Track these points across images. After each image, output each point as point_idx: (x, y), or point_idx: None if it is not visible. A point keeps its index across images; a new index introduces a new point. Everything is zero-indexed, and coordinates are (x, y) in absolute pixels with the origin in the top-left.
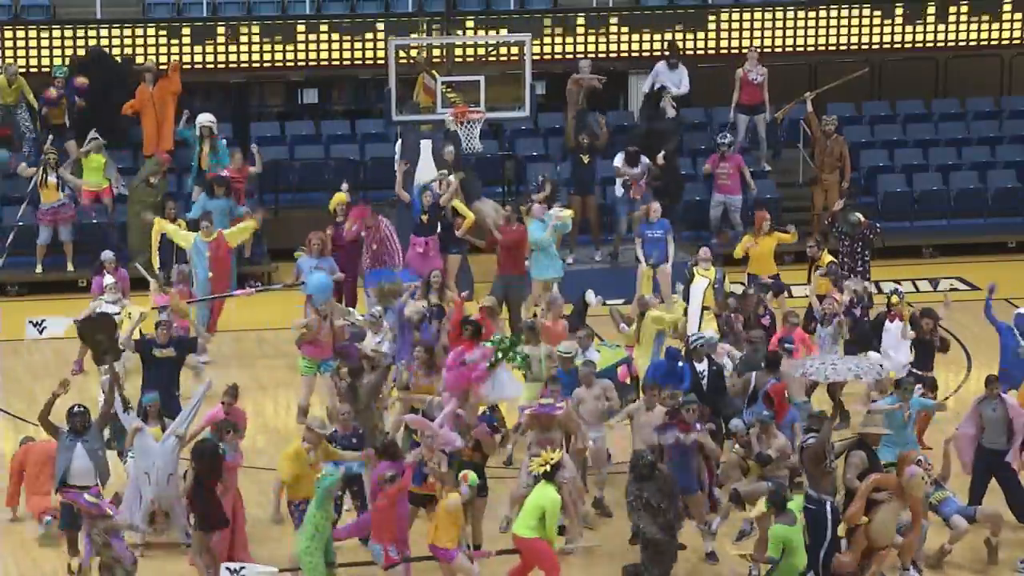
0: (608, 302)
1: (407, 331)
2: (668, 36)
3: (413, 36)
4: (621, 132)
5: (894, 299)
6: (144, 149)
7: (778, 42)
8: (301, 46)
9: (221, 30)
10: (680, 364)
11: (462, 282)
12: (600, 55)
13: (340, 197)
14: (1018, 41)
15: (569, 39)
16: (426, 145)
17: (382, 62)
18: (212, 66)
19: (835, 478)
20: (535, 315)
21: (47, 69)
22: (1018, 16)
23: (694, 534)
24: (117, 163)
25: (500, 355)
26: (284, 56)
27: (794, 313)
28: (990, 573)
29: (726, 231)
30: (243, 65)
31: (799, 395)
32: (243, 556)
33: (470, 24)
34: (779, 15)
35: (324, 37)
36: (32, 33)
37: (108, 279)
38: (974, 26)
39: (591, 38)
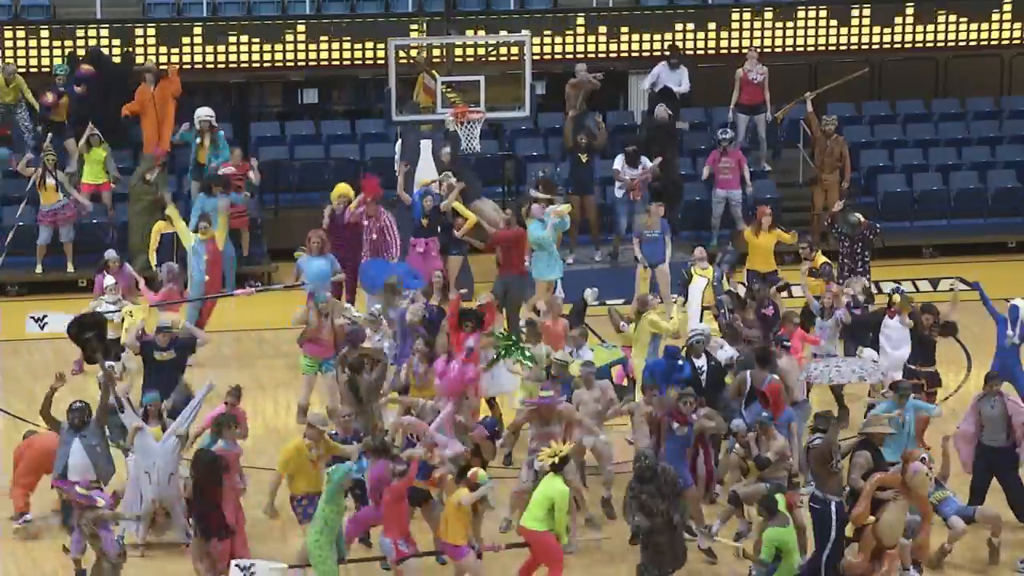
0: (608, 302)
1: (408, 336)
2: (668, 36)
3: (413, 36)
4: (621, 132)
5: (896, 297)
6: (144, 149)
7: (778, 42)
8: (301, 46)
9: (221, 30)
10: (680, 363)
11: (463, 283)
12: (600, 55)
13: (341, 188)
14: (1018, 41)
15: (569, 39)
16: (426, 145)
17: (382, 62)
18: (212, 66)
19: (841, 478)
20: (537, 311)
21: (47, 69)
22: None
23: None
24: (117, 163)
25: (502, 351)
26: (284, 56)
27: (794, 313)
28: (990, 573)
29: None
30: (243, 65)
31: (799, 395)
32: (243, 554)
33: (470, 24)
34: (779, 15)
35: (324, 37)
36: (32, 33)
37: (108, 280)
38: (974, 26)
39: (591, 38)
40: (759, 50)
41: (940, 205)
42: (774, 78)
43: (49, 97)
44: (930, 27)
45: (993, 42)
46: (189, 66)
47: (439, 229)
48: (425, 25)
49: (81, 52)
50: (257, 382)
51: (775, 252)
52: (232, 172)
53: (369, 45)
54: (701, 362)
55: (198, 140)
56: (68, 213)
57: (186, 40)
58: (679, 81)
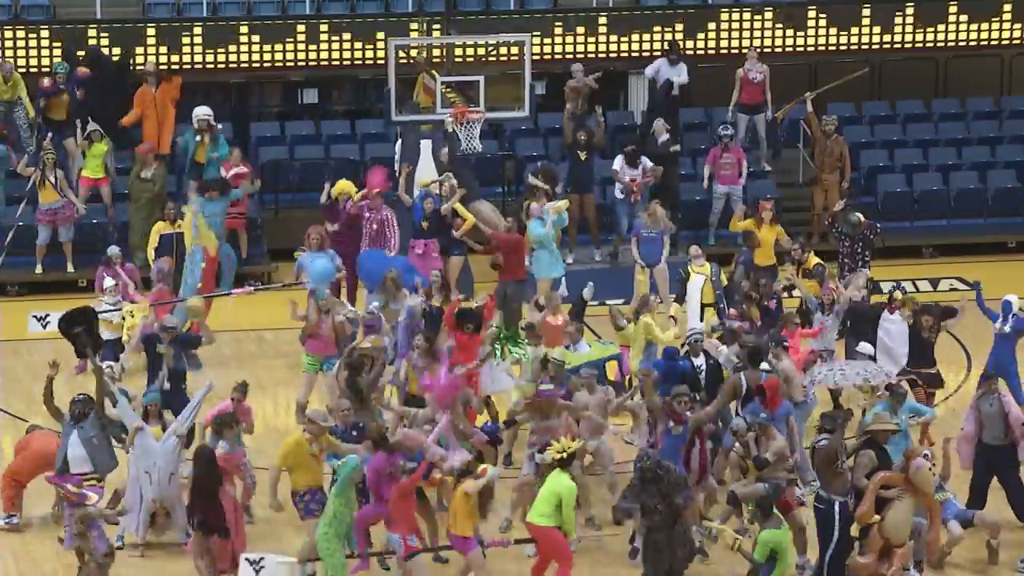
0: (608, 302)
1: (411, 332)
2: (668, 36)
3: (413, 36)
4: (621, 132)
5: (896, 294)
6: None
7: (778, 42)
8: (301, 46)
9: (221, 30)
10: (679, 363)
11: (463, 284)
12: (600, 55)
13: (343, 185)
14: (1018, 41)
15: (569, 39)
16: (426, 145)
17: (382, 62)
18: (212, 66)
19: (847, 478)
20: (540, 307)
21: (47, 69)
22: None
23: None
24: (116, 163)
25: (499, 346)
26: (284, 56)
27: (794, 314)
28: (990, 573)
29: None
30: (243, 65)
31: (798, 395)
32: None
33: (470, 24)
34: (779, 15)
35: (324, 37)
36: (32, 33)
37: (108, 281)
38: (974, 26)
39: (591, 38)
40: (759, 50)
41: (940, 205)
42: (774, 78)
43: (46, 82)
44: (930, 27)
45: (993, 42)
46: (189, 66)
47: (439, 230)
48: (425, 25)
49: (80, 53)
50: (257, 382)
51: (775, 252)
52: (243, 172)
53: (369, 45)
54: (700, 361)
55: (197, 138)
56: (67, 213)
57: (186, 40)
58: (679, 74)
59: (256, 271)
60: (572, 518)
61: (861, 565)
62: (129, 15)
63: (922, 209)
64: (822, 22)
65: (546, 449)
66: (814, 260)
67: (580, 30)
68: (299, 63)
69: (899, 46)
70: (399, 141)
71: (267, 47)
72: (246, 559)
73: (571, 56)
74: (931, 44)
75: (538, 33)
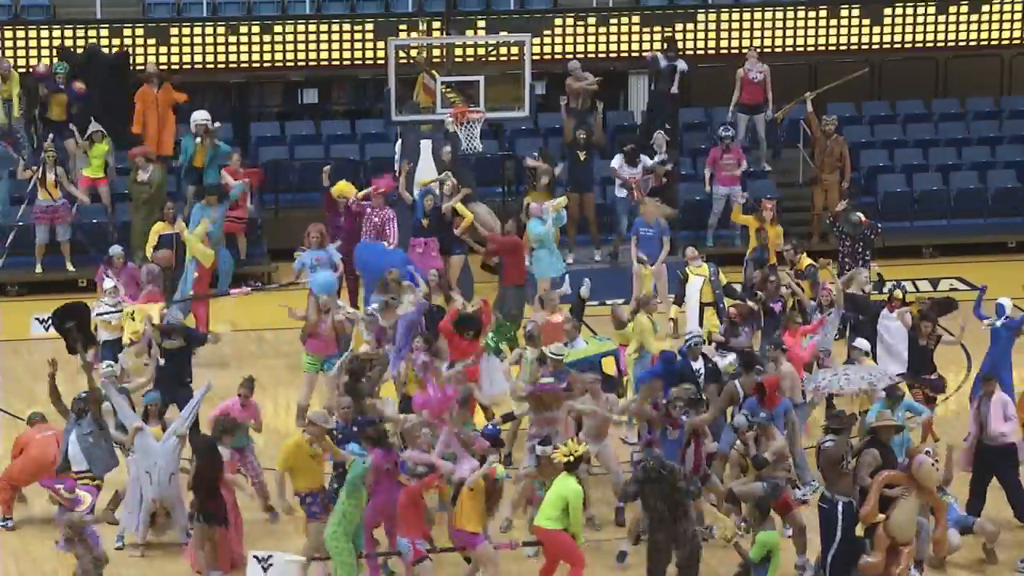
0: (608, 302)
1: (408, 337)
2: (668, 35)
3: (413, 36)
4: (621, 132)
5: (897, 293)
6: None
7: (778, 42)
8: (301, 46)
9: (221, 30)
10: (675, 366)
11: (463, 284)
12: (600, 55)
13: (342, 186)
14: (1018, 41)
15: (569, 39)
16: (426, 145)
17: (382, 62)
18: (212, 66)
19: (852, 479)
20: (543, 302)
21: (41, 67)
22: (1018, 16)
23: None
24: (117, 163)
25: (496, 337)
26: (284, 56)
27: (796, 314)
28: (990, 573)
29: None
30: (243, 65)
31: (797, 397)
32: (240, 547)
33: (470, 24)
34: (779, 15)
35: (324, 37)
36: (32, 33)
37: (108, 282)
38: (974, 26)
39: (591, 38)
40: (759, 50)
41: (940, 205)
42: (774, 78)
43: (43, 68)
44: (930, 27)
45: (993, 42)
46: (189, 66)
47: (439, 229)
48: (425, 25)
49: (78, 50)
50: (257, 382)
51: (776, 252)
52: (253, 173)
53: (369, 45)
54: (698, 365)
55: (197, 140)
56: (63, 212)
57: (186, 40)
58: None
59: (256, 271)
60: (580, 521)
61: (869, 565)
62: (129, 15)
63: (922, 209)
64: (822, 22)
65: (547, 441)
66: (806, 261)
67: (580, 30)
68: (299, 63)
69: (899, 46)
70: (399, 141)
71: (267, 47)
72: (255, 557)
73: (571, 56)
74: (931, 44)
75: (554, 33)
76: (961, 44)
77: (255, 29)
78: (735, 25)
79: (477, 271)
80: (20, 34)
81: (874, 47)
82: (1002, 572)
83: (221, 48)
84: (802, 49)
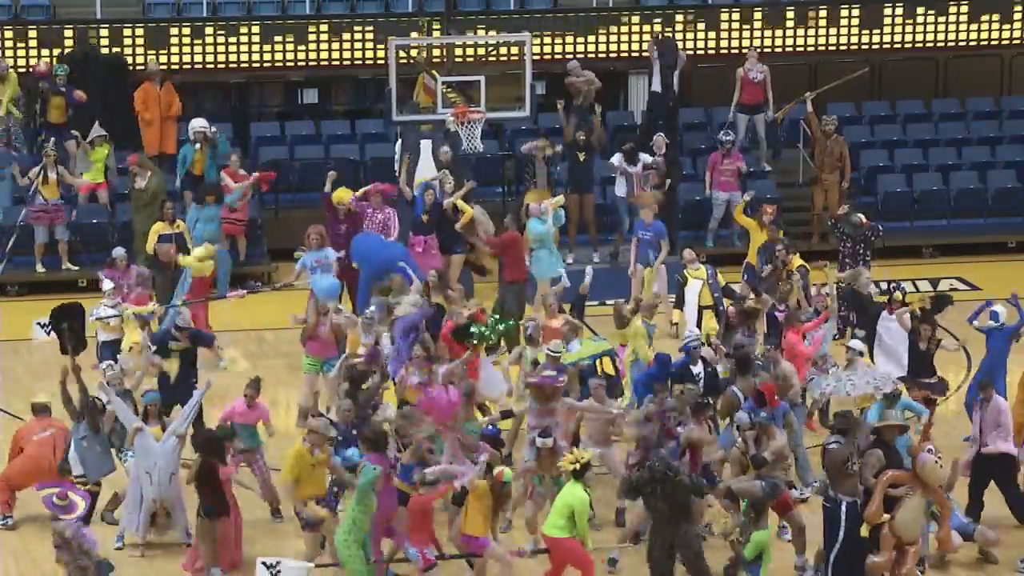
0: (608, 302)
1: (404, 345)
2: (668, 36)
3: (413, 36)
4: (621, 131)
5: (897, 295)
6: (145, 150)
7: (778, 42)
8: (301, 46)
9: (221, 30)
10: (672, 369)
11: (463, 283)
12: (600, 55)
13: (340, 194)
14: (1018, 41)
15: (569, 39)
16: (426, 145)
17: (382, 62)
18: (212, 66)
19: (857, 479)
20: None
21: (41, 65)
22: (1018, 16)
23: None
24: (117, 163)
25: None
26: (284, 56)
27: (799, 314)
28: (990, 573)
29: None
30: (243, 65)
31: (796, 398)
32: (239, 542)
33: (470, 24)
34: (779, 15)
35: (324, 37)
36: (32, 33)
37: (107, 284)
38: (974, 26)
39: (591, 38)
40: (759, 50)
41: (940, 205)
42: (774, 78)
43: (43, 66)
44: (930, 27)
45: (993, 42)
46: (189, 66)
47: (440, 227)
48: (425, 25)
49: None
50: None
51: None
52: (264, 176)
53: (369, 45)
54: (698, 369)
55: (197, 146)
56: (60, 212)
57: (186, 40)
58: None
59: (256, 271)
60: (586, 528)
61: (876, 565)
62: (129, 15)
63: (922, 209)
64: (822, 22)
65: (546, 432)
66: (797, 262)
67: (580, 30)
68: (299, 63)
69: (899, 46)
70: (399, 141)
71: (267, 47)
72: (263, 563)
73: (571, 56)
74: (931, 44)
75: (554, 32)
76: (961, 44)
77: (255, 29)
78: (735, 25)
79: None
80: (20, 34)
81: (874, 47)
82: (1002, 572)
83: (221, 48)
84: (802, 49)
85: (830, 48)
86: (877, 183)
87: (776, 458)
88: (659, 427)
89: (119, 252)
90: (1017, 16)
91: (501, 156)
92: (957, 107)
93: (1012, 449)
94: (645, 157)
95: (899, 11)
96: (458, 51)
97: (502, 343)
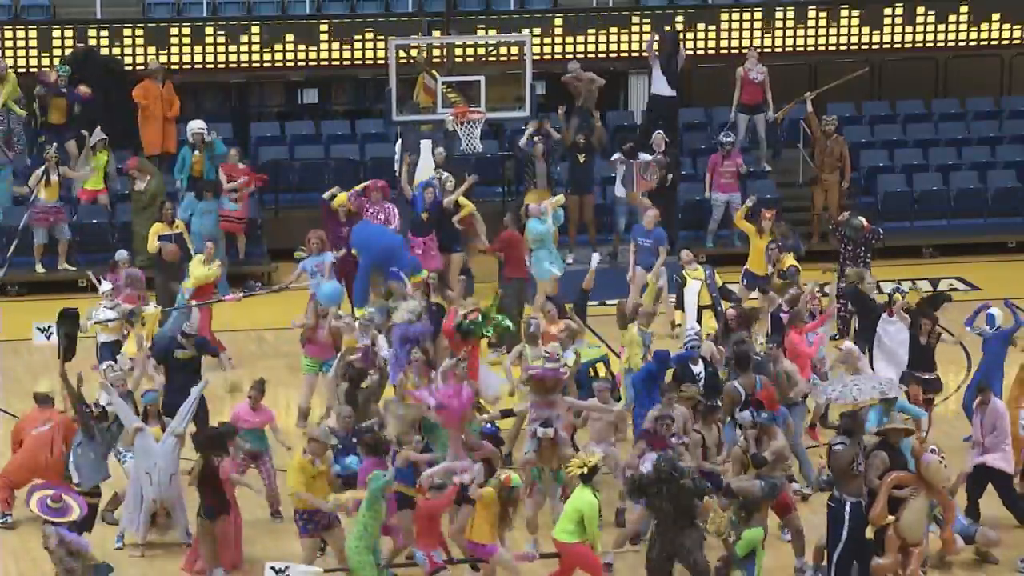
0: (608, 302)
1: (402, 352)
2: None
3: (413, 36)
4: (621, 131)
5: (896, 296)
6: (145, 150)
7: (778, 42)
8: (301, 46)
9: (222, 30)
10: (670, 365)
11: (463, 282)
12: (600, 55)
13: (343, 198)
14: (1018, 41)
15: (569, 39)
16: (426, 145)
17: (382, 62)
18: (212, 66)
19: (862, 480)
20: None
21: (47, 69)
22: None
23: None
24: (117, 163)
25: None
26: (284, 56)
27: (802, 314)
28: (990, 573)
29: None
30: (243, 65)
31: (797, 397)
32: (239, 541)
33: (470, 24)
34: (779, 15)
35: (324, 37)
36: (32, 33)
37: (105, 286)
38: (974, 26)
39: (591, 38)
40: (759, 50)
41: (940, 205)
42: (774, 78)
43: (52, 76)
44: (930, 27)
45: (993, 42)
46: (189, 66)
47: (440, 225)
48: (425, 25)
49: (71, 50)
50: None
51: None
52: (245, 179)
53: (369, 45)
54: (698, 368)
55: (195, 152)
56: (61, 214)
57: (186, 40)
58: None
59: (256, 271)
60: (596, 532)
61: (881, 566)
62: (129, 15)
63: (922, 209)
64: (822, 22)
65: (547, 424)
66: (789, 261)
67: (580, 30)
68: (299, 63)
69: (899, 46)
70: (399, 141)
71: (267, 47)
72: (271, 567)
73: (571, 56)
74: (931, 44)
75: (554, 32)
76: (961, 44)
77: (255, 29)
78: (735, 25)
79: (480, 271)
80: (20, 34)
81: (874, 47)
82: (1002, 572)
83: (221, 48)
84: (802, 49)
85: (830, 48)
86: (877, 183)
87: (776, 458)
88: (648, 439)
89: (122, 255)
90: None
91: (501, 156)
92: (957, 107)
93: (1009, 467)
94: (645, 156)
95: (899, 11)
96: (458, 51)
97: (503, 342)
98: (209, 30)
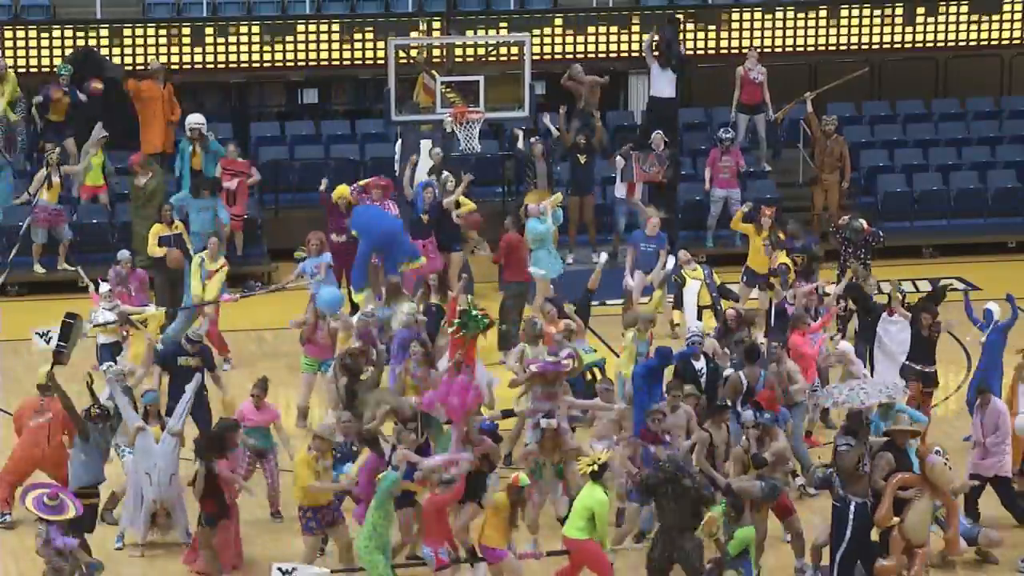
0: (608, 302)
1: (400, 352)
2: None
3: (413, 36)
4: (621, 131)
5: (896, 295)
6: (144, 149)
7: (778, 42)
8: (301, 46)
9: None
10: (672, 362)
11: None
12: (600, 55)
13: (342, 190)
14: (1018, 41)
15: (569, 39)
16: (426, 145)
17: (382, 62)
18: (212, 66)
19: (868, 480)
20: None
21: (47, 69)
22: (1018, 16)
23: None
24: (116, 163)
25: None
26: (284, 56)
27: (805, 315)
28: (990, 573)
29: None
30: (243, 65)
31: (799, 396)
32: (237, 545)
33: (470, 24)
34: (779, 15)
35: (324, 37)
36: (32, 33)
37: (104, 287)
38: (974, 26)
39: (591, 38)
40: (759, 50)
41: (940, 205)
42: (774, 78)
43: (59, 93)
44: (930, 27)
45: (993, 42)
46: (189, 66)
47: (439, 225)
48: (425, 25)
49: (71, 51)
50: None
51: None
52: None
53: (369, 45)
54: (700, 364)
55: (191, 148)
56: (61, 216)
57: (186, 40)
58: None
59: (256, 271)
60: (606, 530)
61: (885, 567)
62: (129, 15)
63: (922, 209)
64: (822, 22)
65: (550, 415)
66: (781, 258)
67: (580, 30)
68: (299, 63)
69: (899, 46)
70: (399, 141)
71: (267, 47)
72: (279, 569)
73: (571, 56)
74: (931, 44)
75: (554, 32)
76: (961, 44)
77: (255, 29)
78: (735, 25)
79: (480, 271)
80: (20, 34)
81: (874, 47)
82: (1002, 572)
83: (221, 48)
84: (802, 49)
85: (830, 48)
86: (877, 183)
87: (776, 460)
88: (642, 435)
89: (124, 255)
90: (1017, 16)
91: (501, 156)
92: (957, 107)
93: (1008, 472)
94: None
95: (899, 11)
96: (458, 51)
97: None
98: (209, 30)
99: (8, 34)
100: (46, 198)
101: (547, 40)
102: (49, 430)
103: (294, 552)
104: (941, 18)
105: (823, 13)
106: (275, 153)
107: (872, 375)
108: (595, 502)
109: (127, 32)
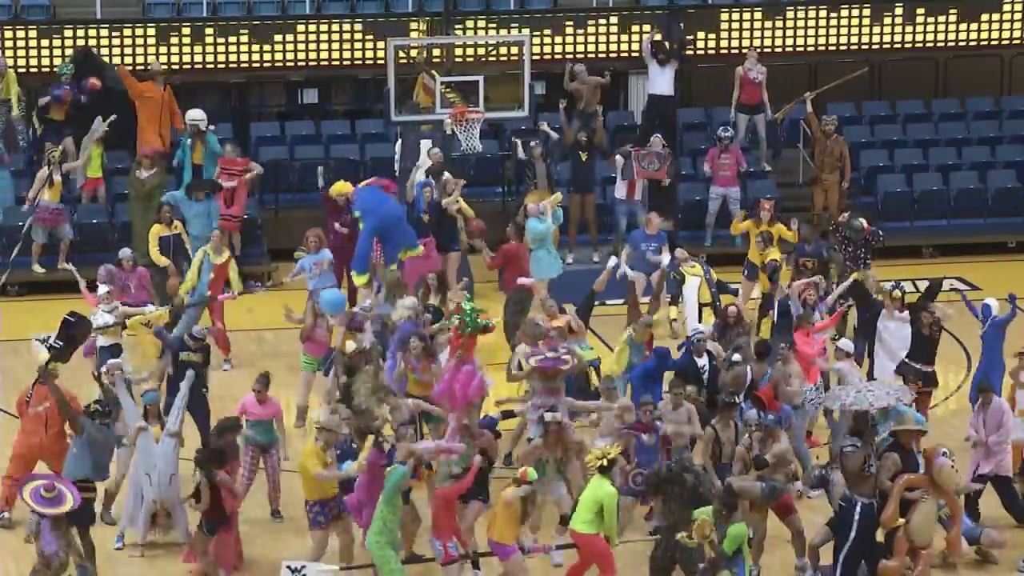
0: (608, 302)
1: (396, 351)
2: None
3: (413, 36)
4: (621, 132)
5: (895, 293)
6: (139, 148)
7: (778, 42)
8: (301, 46)
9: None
10: (670, 362)
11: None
12: (600, 55)
13: (341, 186)
14: (1018, 41)
15: (569, 39)
16: (426, 145)
17: (382, 62)
18: (212, 66)
19: (874, 481)
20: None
21: (47, 69)
22: (1018, 16)
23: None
24: (116, 163)
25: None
26: (284, 56)
27: (810, 314)
28: (991, 572)
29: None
30: (243, 65)
31: (797, 400)
32: (238, 549)
33: (470, 24)
34: (779, 15)
35: (324, 37)
36: (32, 33)
37: (102, 288)
38: (974, 26)
39: (591, 38)
40: (759, 50)
41: (940, 205)
42: (774, 78)
43: (67, 95)
44: (930, 27)
45: (993, 42)
46: (189, 66)
47: (439, 224)
48: (425, 25)
49: (69, 51)
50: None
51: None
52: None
53: (369, 45)
54: (703, 361)
55: (190, 142)
56: (62, 215)
57: (186, 40)
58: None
59: (256, 271)
60: (614, 524)
61: (889, 568)
62: (129, 15)
63: (922, 209)
64: (822, 22)
65: (554, 409)
66: (772, 254)
67: (580, 30)
68: (299, 63)
69: (899, 46)
70: (399, 141)
71: (267, 47)
72: (288, 567)
73: (571, 56)
74: (931, 44)
75: (554, 32)
76: (961, 44)
77: (255, 29)
78: (735, 25)
79: (479, 272)
80: (20, 34)
81: (874, 47)
82: (1002, 572)
83: (221, 48)
84: (802, 49)
85: (830, 48)
86: (877, 183)
87: (778, 461)
88: (635, 426)
89: (125, 253)
90: (1017, 16)
91: (501, 156)
92: (957, 107)
93: (1008, 472)
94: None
95: (899, 11)
96: (458, 51)
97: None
98: (209, 30)
99: (8, 34)
100: (48, 197)
101: (547, 40)
102: (47, 418)
103: (294, 552)
104: (941, 18)
105: (823, 13)
106: (275, 153)
107: (872, 371)
108: (604, 494)
109: (127, 32)
